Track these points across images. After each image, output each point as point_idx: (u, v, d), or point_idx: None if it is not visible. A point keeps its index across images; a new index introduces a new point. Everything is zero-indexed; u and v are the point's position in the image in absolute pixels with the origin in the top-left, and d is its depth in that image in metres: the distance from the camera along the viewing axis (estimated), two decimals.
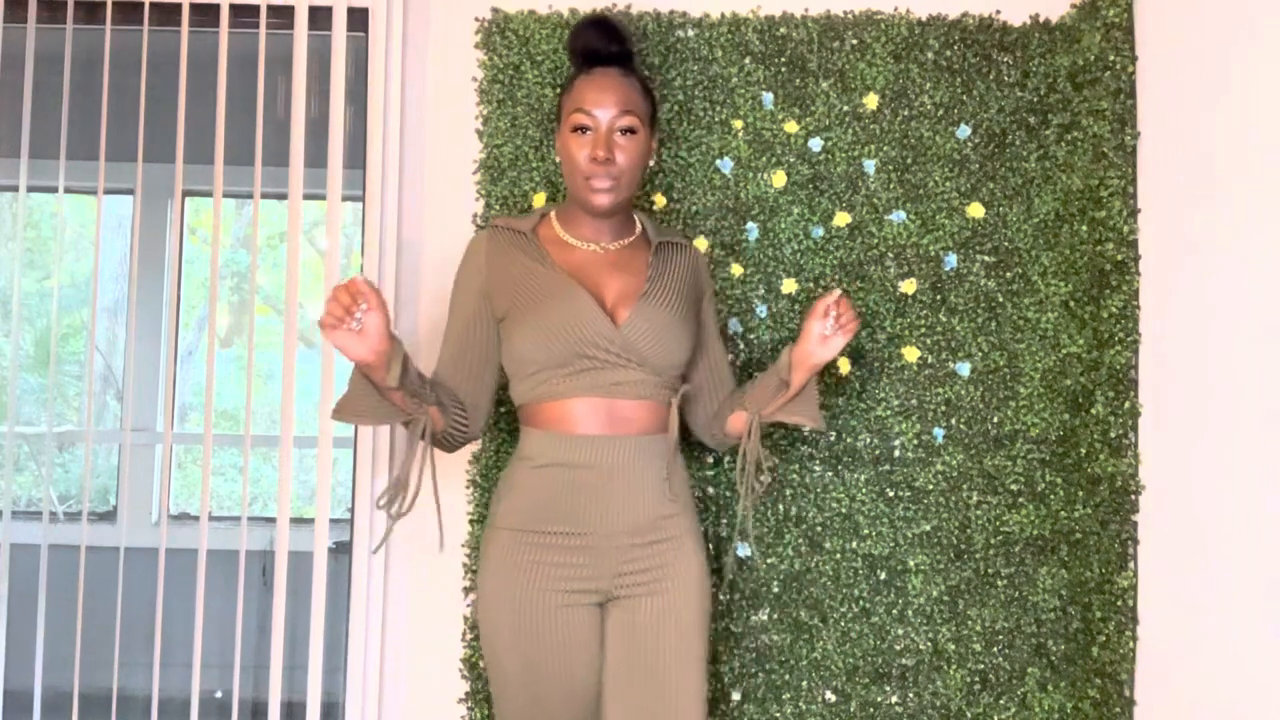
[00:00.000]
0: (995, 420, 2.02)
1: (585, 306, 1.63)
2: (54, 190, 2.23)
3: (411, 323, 2.09)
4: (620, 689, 1.61)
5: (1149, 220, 1.82)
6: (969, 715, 1.99)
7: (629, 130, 1.67)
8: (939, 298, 2.03)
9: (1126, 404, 1.82)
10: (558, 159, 1.83)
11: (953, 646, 2.00)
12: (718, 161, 2.05)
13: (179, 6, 2.13)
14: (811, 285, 2.04)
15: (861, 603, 2.00)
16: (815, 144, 2.05)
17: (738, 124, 2.06)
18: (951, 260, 2.03)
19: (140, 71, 2.17)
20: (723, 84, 2.06)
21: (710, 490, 2.02)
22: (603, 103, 1.65)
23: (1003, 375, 2.02)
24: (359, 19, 2.13)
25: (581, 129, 1.66)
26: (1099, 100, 1.91)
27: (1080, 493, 1.95)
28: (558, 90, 2.05)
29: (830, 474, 2.02)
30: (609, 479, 1.64)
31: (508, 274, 1.69)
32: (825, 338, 1.65)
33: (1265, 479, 1.47)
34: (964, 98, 2.05)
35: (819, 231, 2.04)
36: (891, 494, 2.01)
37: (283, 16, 2.14)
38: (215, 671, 2.52)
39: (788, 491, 2.02)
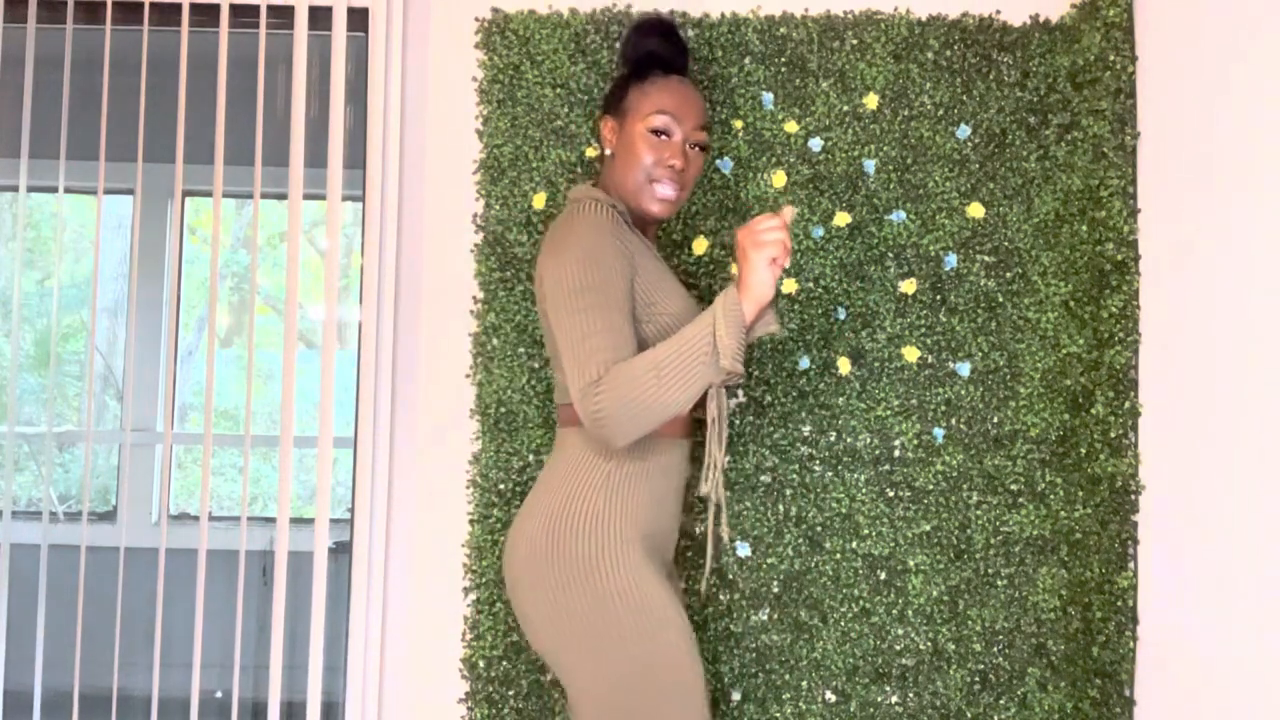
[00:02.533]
0: (995, 420, 2.02)
1: (698, 313, 1.59)
2: (54, 190, 2.23)
3: (412, 323, 2.09)
4: None
5: (1149, 220, 1.82)
6: (969, 715, 1.99)
7: (700, 146, 1.69)
8: (939, 298, 2.03)
9: (1126, 404, 1.82)
10: (607, 149, 1.70)
11: (953, 646, 2.00)
12: (718, 161, 2.05)
13: (179, 6, 2.13)
14: (811, 285, 2.04)
15: (861, 603, 2.00)
16: (815, 144, 2.05)
17: (738, 124, 2.05)
18: (951, 260, 2.03)
19: (140, 71, 2.17)
20: (723, 84, 2.06)
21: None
22: (687, 112, 1.66)
23: (1003, 375, 2.02)
24: (359, 19, 2.13)
25: (660, 132, 1.64)
26: (1099, 100, 1.91)
27: (1080, 493, 1.95)
28: (558, 90, 2.05)
29: (830, 474, 2.02)
30: (682, 480, 1.70)
31: (639, 262, 1.60)
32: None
33: (1265, 479, 1.47)
34: (964, 98, 2.05)
35: (819, 231, 2.04)
36: (891, 494, 2.01)
37: (283, 16, 2.14)
38: (215, 671, 2.51)
39: (788, 491, 2.02)
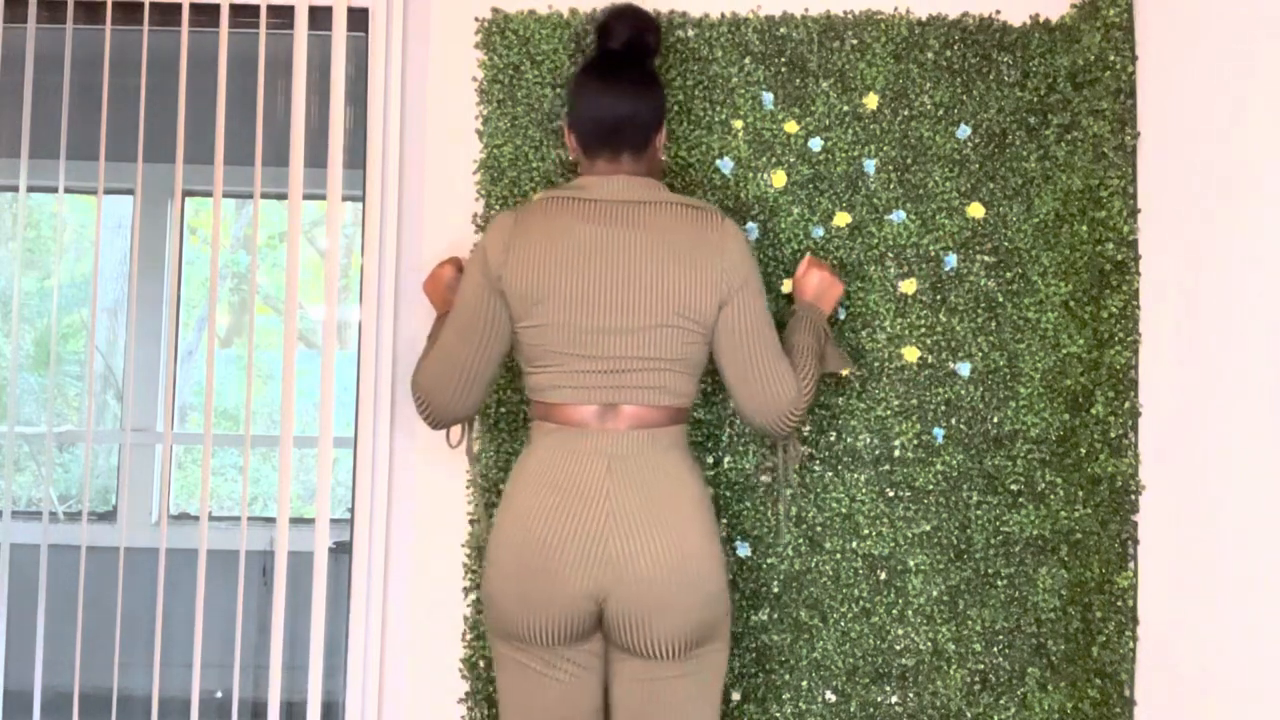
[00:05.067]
0: (995, 420, 2.02)
1: None
2: (54, 190, 2.23)
3: (413, 323, 2.09)
4: None
5: (1149, 220, 1.82)
6: (969, 715, 1.99)
7: None
8: (939, 298, 2.03)
9: (1126, 404, 1.82)
10: (663, 156, 1.90)
11: (953, 646, 2.00)
12: (718, 161, 2.05)
13: (179, 6, 2.13)
14: None
15: (861, 603, 2.00)
16: (815, 144, 2.05)
17: (738, 124, 2.05)
18: (951, 260, 2.03)
19: (140, 71, 2.17)
20: (723, 84, 2.06)
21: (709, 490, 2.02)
22: None
23: (1003, 375, 2.02)
24: (359, 19, 2.13)
25: None
26: (1099, 100, 1.91)
27: (1080, 493, 1.95)
28: (558, 90, 2.05)
29: (830, 474, 2.02)
30: None
31: None
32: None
33: (1265, 479, 1.47)
34: (964, 98, 2.05)
35: (819, 231, 2.04)
36: (891, 494, 2.01)
37: (283, 16, 2.14)
38: (215, 671, 2.51)
39: (788, 491, 2.02)
